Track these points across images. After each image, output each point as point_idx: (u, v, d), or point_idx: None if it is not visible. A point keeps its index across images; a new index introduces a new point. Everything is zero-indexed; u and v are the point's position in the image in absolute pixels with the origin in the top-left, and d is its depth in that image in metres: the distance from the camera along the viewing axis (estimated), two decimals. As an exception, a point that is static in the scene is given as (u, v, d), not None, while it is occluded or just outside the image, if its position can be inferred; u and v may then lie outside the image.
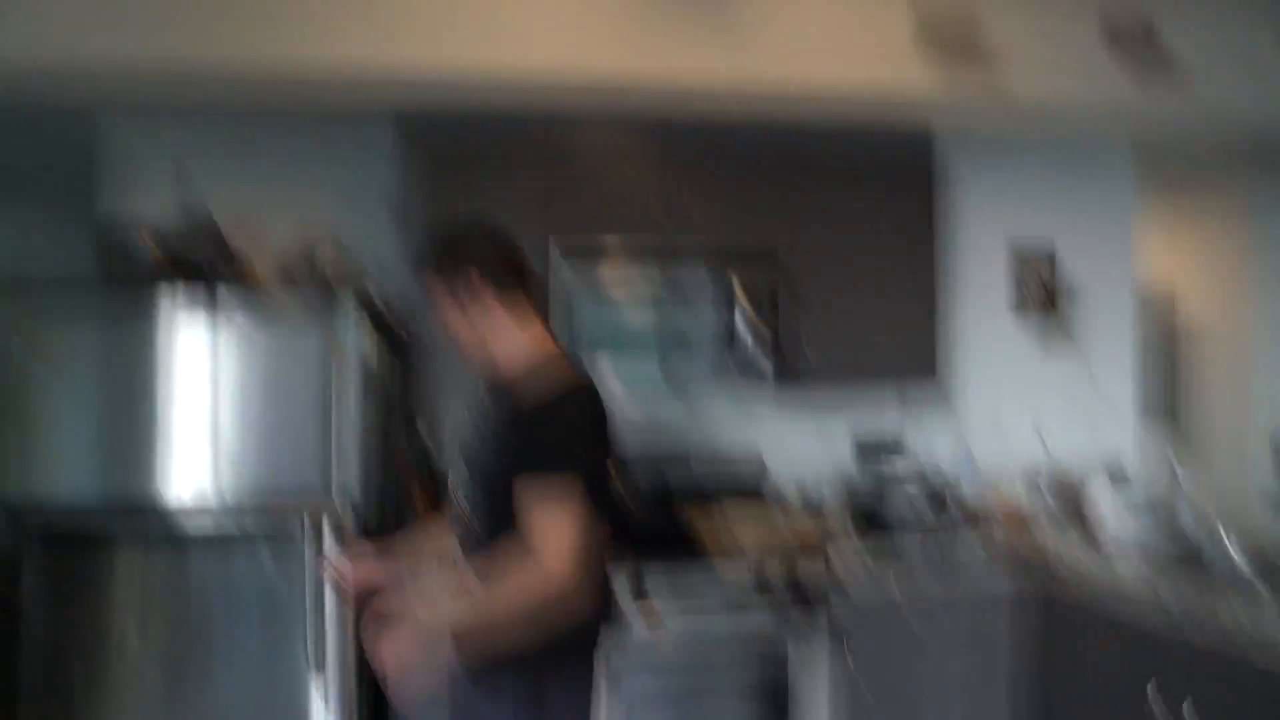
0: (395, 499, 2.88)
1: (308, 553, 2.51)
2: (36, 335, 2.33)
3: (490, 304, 1.79)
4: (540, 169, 2.97)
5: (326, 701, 2.52)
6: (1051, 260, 3.63)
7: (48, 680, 2.39)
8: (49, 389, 2.36)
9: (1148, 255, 3.89)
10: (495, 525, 1.75)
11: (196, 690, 2.51)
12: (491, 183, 2.92)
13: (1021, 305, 3.61)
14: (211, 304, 2.47)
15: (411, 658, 1.59)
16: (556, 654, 1.72)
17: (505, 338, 1.81)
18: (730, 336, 2.99)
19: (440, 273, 1.81)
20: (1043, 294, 3.62)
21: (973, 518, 3.15)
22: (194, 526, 2.51)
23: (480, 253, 1.81)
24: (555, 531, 1.63)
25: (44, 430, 2.37)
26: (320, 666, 2.51)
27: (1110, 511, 2.98)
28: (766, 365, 3.04)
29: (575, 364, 1.87)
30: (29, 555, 2.39)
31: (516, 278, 1.82)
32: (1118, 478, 3.34)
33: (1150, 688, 2.32)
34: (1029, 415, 3.62)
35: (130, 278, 2.58)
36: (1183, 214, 4.60)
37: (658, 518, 2.90)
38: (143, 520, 2.48)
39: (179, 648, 2.52)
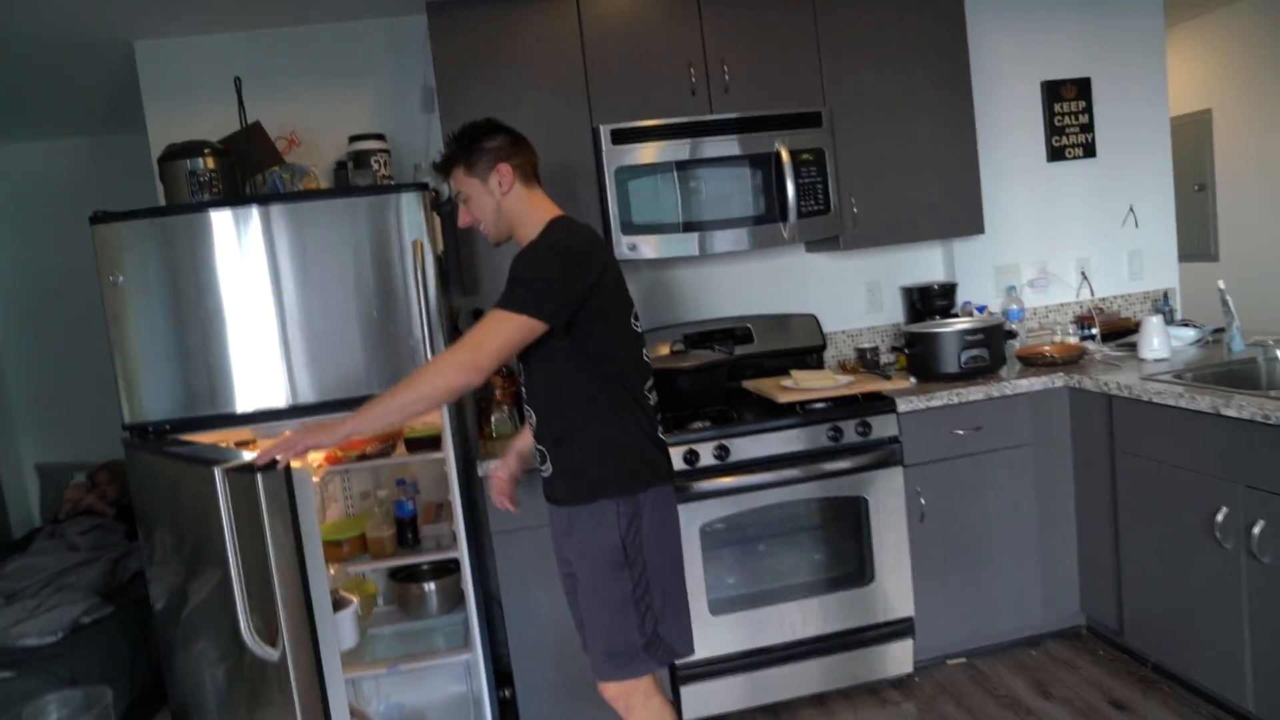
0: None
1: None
2: (125, 265, 2.41)
3: (518, 192, 2.09)
4: (576, 52, 2.96)
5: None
6: (1088, 101, 3.60)
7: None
8: (137, 313, 2.45)
9: (1181, 83, 3.82)
10: (530, 380, 2.10)
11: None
12: (529, 73, 2.94)
13: (1058, 149, 3.60)
14: (269, 215, 2.51)
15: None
16: (647, 477, 2.04)
17: (530, 218, 2.09)
18: (780, 203, 3.04)
19: (474, 170, 2.08)
20: (1081, 136, 3.60)
21: (1026, 360, 3.25)
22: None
23: (509, 149, 2.09)
24: (484, 330, 1.91)
25: (139, 353, 2.47)
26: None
27: (1163, 342, 3.05)
28: (817, 228, 3.09)
29: (579, 224, 2.09)
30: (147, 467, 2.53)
31: (533, 168, 2.13)
32: (1165, 313, 3.41)
33: (1220, 515, 2.44)
34: (1073, 259, 3.67)
35: (190, 199, 2.64)
36: (1216, 35, 4.53)
37: (721, 382, 3.00)
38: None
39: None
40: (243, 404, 2.56)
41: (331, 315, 2.57)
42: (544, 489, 2.17)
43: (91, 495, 4.03)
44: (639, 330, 2.13)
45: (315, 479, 2.78)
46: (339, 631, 2.03)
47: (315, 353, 2.57)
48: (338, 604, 2.10)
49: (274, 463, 1.88)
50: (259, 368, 2.54)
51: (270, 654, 1.90)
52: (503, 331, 1.91)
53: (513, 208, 2.08)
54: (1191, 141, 4.82)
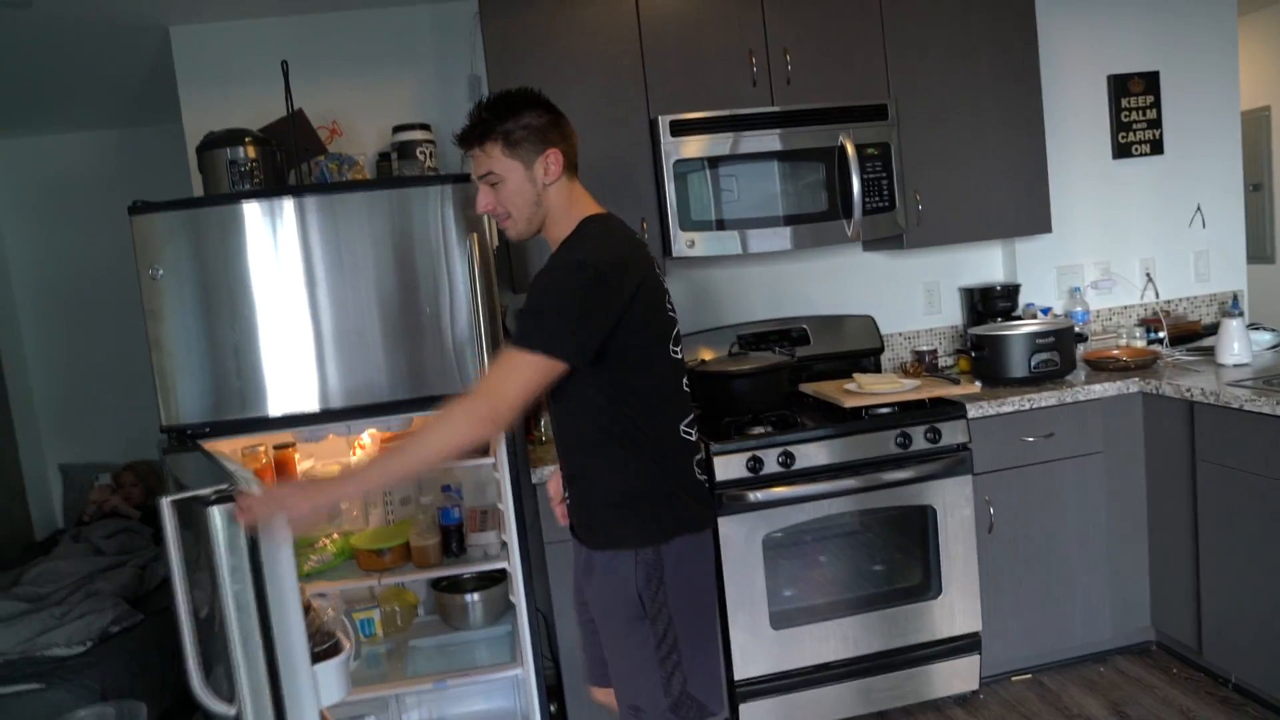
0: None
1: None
2: (164, 259, 2.27)
3: (562, 184, 1.79)
4: (633, 39, 2.84)
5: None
6: (1156, 97, 3.46)
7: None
8: (174, 309, 2.31)
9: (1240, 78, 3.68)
10: (550, 405, 1.85)
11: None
12: (583, 61, 2.81)
13: (1124, 146, 3.46)
14: (320, 207, 2.37)
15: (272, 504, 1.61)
16: (672, 527, 1.79)
17: (567, 214, 1.80)
18: (844, 200, 2.91)
19: (516, 149, 1.75)
20: (1148, 133, 3.47)
21: (1094, 364, 3.11)
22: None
23: (557, 131, 1.78)
24: (498, 374, 1.67)
25: (176, 352, 2.33)
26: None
27: (1244, 346, 2.91)
28: (881, 226, 2.96)
29: (617, 227, 1.83)
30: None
31: (575, 156, 1.83)
32: (1235, 316, 3.27)
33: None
34: (1137, 260, 3.53)
35: (230, 189, 2.51)
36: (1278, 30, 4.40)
37: (781, 386, 2.87)
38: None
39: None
40: (275, 407, 2.41)
41: (377, 314, 2.42)
42: (569, 519, 1.96)
43: (116, 497, 3.92)
44: (679, 357, 1.85)
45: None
46: (321, 685, 1.71)
47: (351, 354, 2.42)
48: (327, 651, 1.82)
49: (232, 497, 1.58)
50: (293, 369, 2.40)
51: (225, 710, 1.67)
52: (520, 376, 1.64)
53: (554, 201, 1.78)
54: (1249, 139, 4.66)
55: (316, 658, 1.74)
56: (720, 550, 2.64)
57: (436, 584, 2.94)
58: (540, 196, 1.77)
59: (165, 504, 1.60)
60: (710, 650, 1.87)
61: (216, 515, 1.51)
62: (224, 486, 1.56)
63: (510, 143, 1.74)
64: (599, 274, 1.66)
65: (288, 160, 2.70)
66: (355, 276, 2.40)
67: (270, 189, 2.51)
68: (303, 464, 2.81)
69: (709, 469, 2.64)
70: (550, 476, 2.28)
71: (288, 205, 2.35)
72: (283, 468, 2.70)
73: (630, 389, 1.76)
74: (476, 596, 2.86)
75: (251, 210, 2.34)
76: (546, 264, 1.75)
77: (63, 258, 4.22)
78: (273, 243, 2.35)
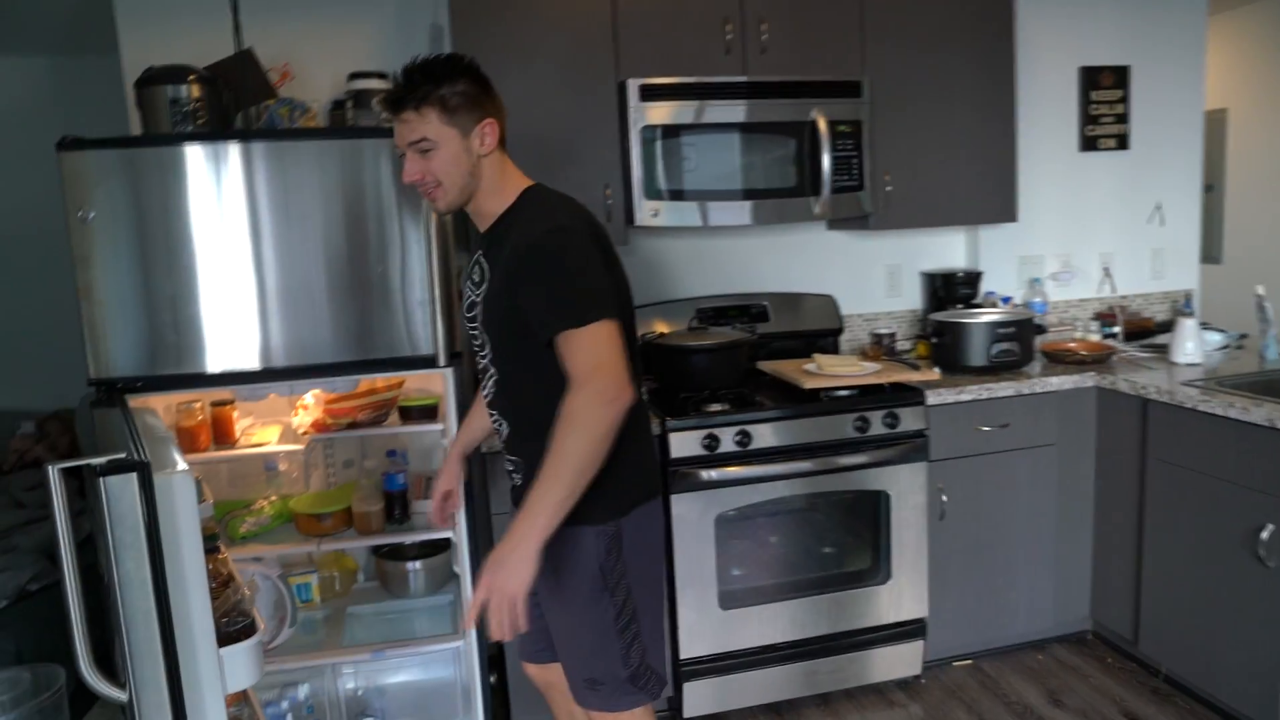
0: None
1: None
2: (95, 201, 2.12)
3: (496, 156, 1.75)
4: (607, 1, 2.73)
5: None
6: (1125, 91, 3.45)
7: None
8: (106, 256, 2.16)
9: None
10: (504, 384, 1.80)
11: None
12: (553, 16, 2.69)
13: (1091, 139, 3.45)
14: (266, 153, 2.23)
15: (514, 590, 1.56)
16: (636, 495, 1.79)
17: (503, 188, 1.77)
18: (814, 176, 2.85)
19: (454, 117, 1.69)
20: (1115, 127, 3.46)
21: (1052, 356, 3.12)
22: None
23: (492, 102, 1.75)
24: (588, 354, 1.59)
25: (117, 303, 2.19)
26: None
27: (1197, 346, 2.94)
28: (848, 205, 2.91)
29: (560, 194, 1.81)
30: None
31: (505, 132, 1.79)
32: (1188, 315, 3.30)
33: (1265, 532, 2.33)
34: (1097, 254, 3.54)
35: (171, 129, 2.35)
36: (1237, 33, 4.44)
37: (739, 363, 2.81)
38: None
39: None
40: (213, 363, 2.29)
41: (324, 270, 2.30)
42: (512, 497, 1.91)
43: (40, 446, 3.72)
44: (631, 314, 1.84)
45: (299, 447, 2.54)
46: (228, 669, 1.60)
47: (296, 311, 2.29)
48: (240, 632, 1.68)
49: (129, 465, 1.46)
50: (233, 323, 2.27)
51: (117, 695, 1.56)
52: (605, 344, 1.59)
53: (488, 174, 1.74)
54: (1205, 140, 4.72)
55: (228, 638, 1.64)
56: (671, 528, 2.59)
57: (378, 550, 2.85)
58: (475, 167, 1.72)
59: (53, 472, 1.46)
60: (660, 621, 1.88)
61: (106, 487, 1.39)
62: (120, 456, 1.45)
63: (448, 109, 1.67)
64: (579, 233, 1.67)
65: (235, 102, 2.54)
66: (303, 230, 2.27)
67: (215, 132, 2.36)
68: (241, 422, 2.68)
69: (664, 445, 2.59)
70: (441, 471, 2.19)
71: (233, 150, 2.21)
72: (220, 425, 2.57)
73: None
74: (419, 565, 2.78)
75: (194, 153, 2.19)
76: (521, 245, 1.67)
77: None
78: (216, 190, 2.21)
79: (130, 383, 2.23)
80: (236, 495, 2.75)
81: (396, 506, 2.65)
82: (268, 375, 2.32)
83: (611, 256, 1.76)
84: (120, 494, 1.50)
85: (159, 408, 2.50)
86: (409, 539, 2.68)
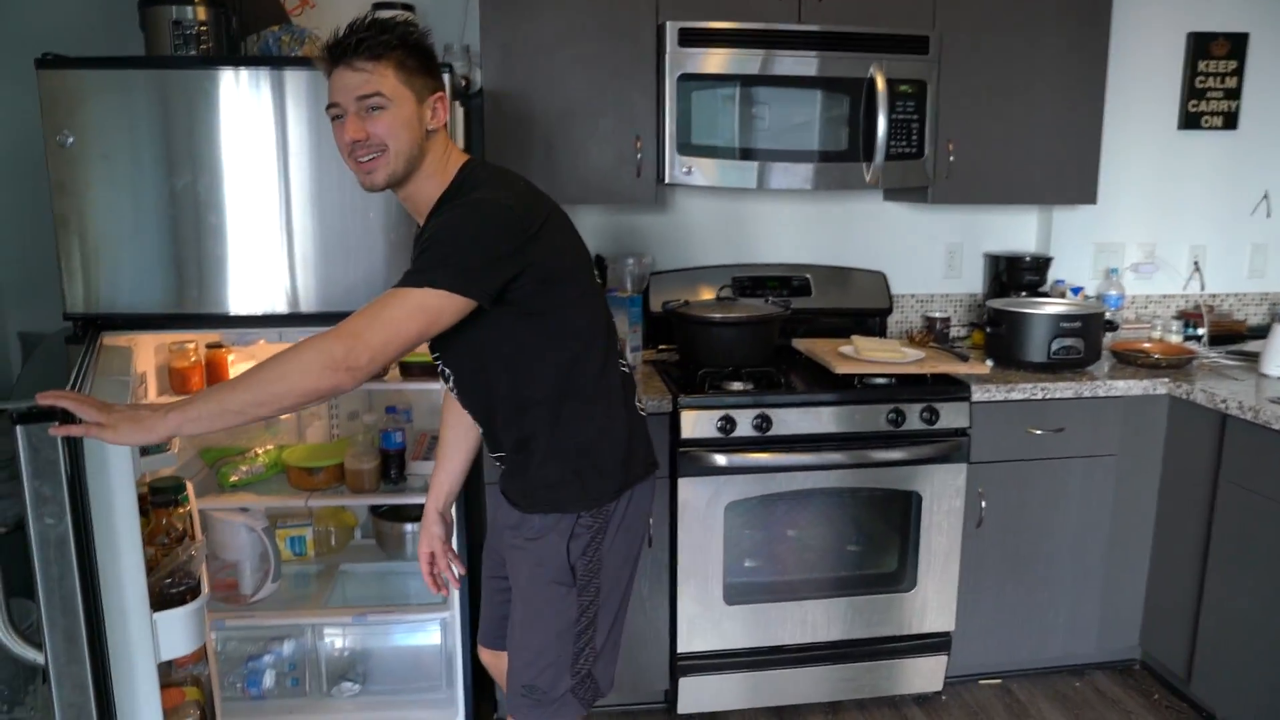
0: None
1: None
2: (88, 126, 1.99)
3: (442, 134, 1.58)
4: (651, -69, 2.48)
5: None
6: (1240, 63, 3.06)
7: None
8: (103, 187, 2.04)
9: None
10: (463, 382, 1.64)
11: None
12: (593, -53, 2.47)
13: (1194, 116, 3.08)
14: (275, 83, 2.08)
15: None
16: (622, 480, 1.65)
17: (444, 166, 1.57)
18: (867, 140, 2.58)
19: (411, 80, 1.50)
20: (1223, 103, 3.08)
21: (1121, 356, 2.81)
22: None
23: (441, 81, 1.58)
24: (375, 314, 1.40)
25: (105, 235, 2.07)
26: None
27: (1291, 356, 2.60)
28: (904, 174, 2.64)
29: (504, 169, 1.62)
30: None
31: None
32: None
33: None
34: (1187, 246, 3.18)
35: (181, 54, 2.22)
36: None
37: (770, 339, 2.58)
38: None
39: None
40: (197, 304, 2.14)
41: (315, 212, 2.14)
42: (500, 481, 1.74)
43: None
44: (602, 282, 1.72)
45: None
46: (162, 635, 1.50)
47: (283, 256, 2.15)
48: (181, 595, 1.57)
49: (54, 414, 1.35)
50: (225, 265, 2.13)
51: (32, 657, 1.45)
52: (397, 316, 1.39)
53: (432, 152, 1.55)
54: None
55: (169, 601, 1.52)
56: (676, 513, 2.41)
57: (377, 508, 2.73)
58: (422, 141, 1.53)
59: None
60: (621, 625, 1.72)
61: (23, 437, 1.27)
62: (43, 403, 1.32)
63: (405, 68, 1.48)
64: (500, 205, 1.47)
65: (243, 27, 2.39)
66: (299, 166, 2.11)
67: (209, 57, 2.22)
68: (238, 365, 2.57)
69: (674, 424, 2.39)
70: (420, 534, 1.96)
71: (232, 76, 2.05)
72: (214, 368, 2.47)
73: (574, 330, 1.58)
74: (416, 527, 2.65)
75: (180, 79, 2.03)
76: (438, 211, 1.53)
77: (31, 115, 3.94)
78: (206, 117, 2.06)
79: (111, 319, 2.12)
80: (232, 442, 2.65)
81: (393, 466, 2.51)
82: (256, 321, 2.19)
83: (565, 225, 1.59)
84: (41, 444, 1.39)
85: (149, 347, 2.42)
86: (402, 501, 2.55)
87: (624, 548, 1.68)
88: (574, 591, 1.62)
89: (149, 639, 1.57)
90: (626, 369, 1.72)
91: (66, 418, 1.35)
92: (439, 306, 1.40)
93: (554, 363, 1.57)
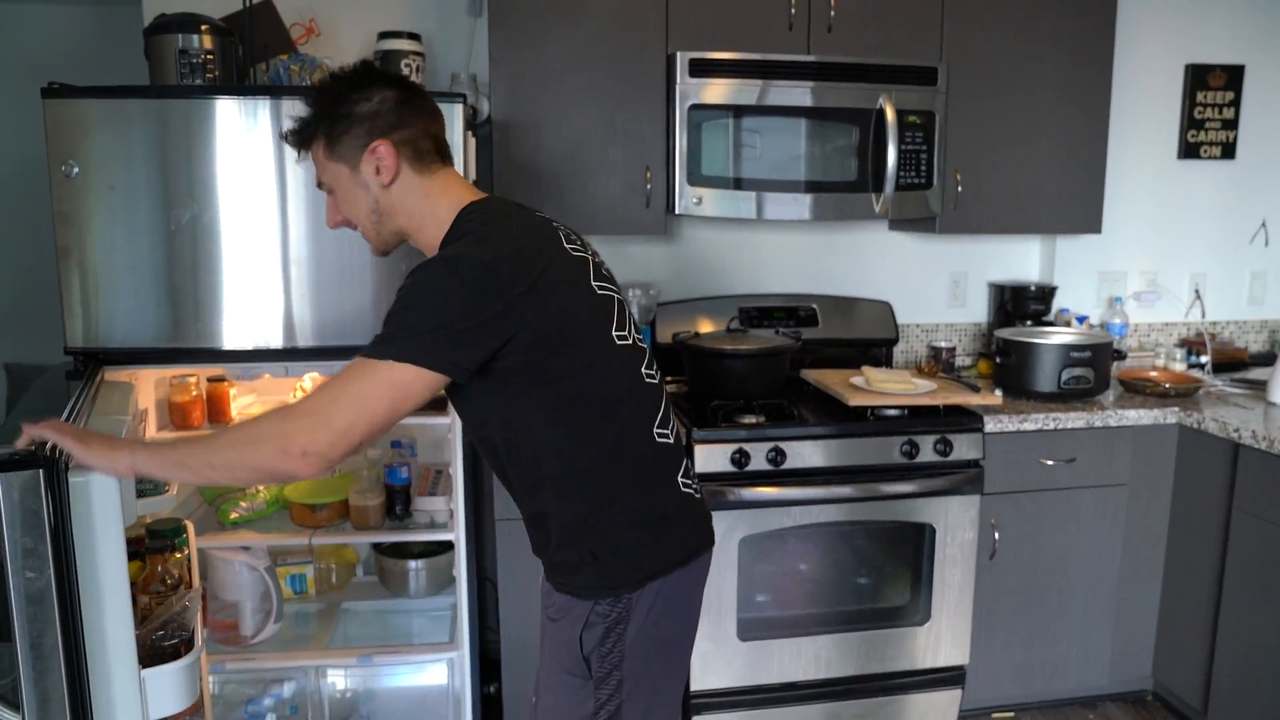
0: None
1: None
2: (93, 157, 1.94)
3: (408, 181, 1.42)
4: (660, -38, 2.48)
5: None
6: (1237, 94, 3.09)
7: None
8: (107, 218, 1.99)
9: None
10: (475, 430, 1.49)
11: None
12: (601, -22, 2.46)
13: (1193, 146, 3.10)
14: (277, 111, 2.04)
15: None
16: (651, 567, 1.44)
17: (431, 215, 1.43)
18: (876, 170, 2.57)
19: (336, 149, 1.40)
20: (1221, 134, 3.11)
21: (1129, 385, 2.81)
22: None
23: (391, 116, 1.40)
24: (337, 392, 1.27)
25: (107, 266, 2.01)
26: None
27: (1298, 385, 2.60)
28: (913, 204, 2.63)
29: (503, 209, 1.45)
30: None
31: (434, 141, 1.45)
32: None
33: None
34: (1187, 274, 3.20)
35: (184, 84, 2.18)
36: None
37: (780, 371, 2.56)
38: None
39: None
40: (199, 339, 2.09)
41: (321, 247, 2.09)
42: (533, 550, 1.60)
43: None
44: (629, 342, 1.45)
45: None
46: (150, 694, 1.38)
47: (290, 289, 2.10)
48: (173, 649, 1.47)
49: (38, 462, 1.25)
50: (225, 299, 2.08)
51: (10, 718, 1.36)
52: (364, 393, 1.25)
53: (402, 204, 1.41)
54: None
55: (159, 656, 1.44)
56: (691, 549, 2.36)
57: (379, 545, 2.67)
58: (378, 203, 1.42)
59: None
60: (669, 708, 1.54)
61: (2, 483, 1.19)
62: (28, 448, 1.25)
63: (330, 140, 1.40)
64: (479, 264, 1.29)
65: (249, 57, 2.36)
66: (301, 200, 2.07)
67: (218, 86, 2.18)
68: (241, 399, 2.52)
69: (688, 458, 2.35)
70: None
71: (242, 105, 2.01)
72: (215, 402, 2.41)
73: (576, 398, 1.39)
74: (420, 564, 2.60)
75: (185, 108, 1.99)
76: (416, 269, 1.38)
77: (23, 143, 3.87)
78: (213, 148, 2.02)
79: (113, 354, 2.06)
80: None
81: (398, 502, 2.46)
82: (258, 356, 2.14)
83: (567, 277, 1.39)
84: (23, 493, 1.28)
85: (150, 381, 2.36)
86: (408, 538, 2.48)
87: (656, 638, 1.47)
88: (590, 685, 1.45)
89: (136, 698, 1.47)
90: (666, 440, 1.49)
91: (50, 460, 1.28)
92: (408, 382, 1.25)
93: (562, 437, 1.39)
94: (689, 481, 1.53)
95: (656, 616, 1.45)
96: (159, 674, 1.43)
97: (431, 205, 1.42)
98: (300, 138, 1.42)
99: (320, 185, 1.47)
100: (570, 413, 1.39)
